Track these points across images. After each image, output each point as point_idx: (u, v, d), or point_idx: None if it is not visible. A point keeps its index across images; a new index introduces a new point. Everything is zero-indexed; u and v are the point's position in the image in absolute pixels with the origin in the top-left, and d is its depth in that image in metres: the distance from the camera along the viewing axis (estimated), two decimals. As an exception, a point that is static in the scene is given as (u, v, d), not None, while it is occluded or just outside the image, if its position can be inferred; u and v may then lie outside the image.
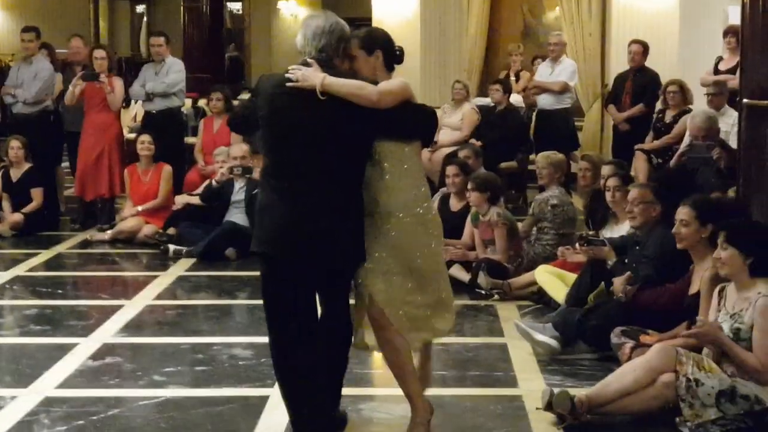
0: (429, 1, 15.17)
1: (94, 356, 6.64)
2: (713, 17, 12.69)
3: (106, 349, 6.79)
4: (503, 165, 11.96)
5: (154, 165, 10.69)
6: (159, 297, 8.34)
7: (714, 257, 5.60)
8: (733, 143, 8.07)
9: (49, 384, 6.08)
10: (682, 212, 6.08)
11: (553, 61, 12.55)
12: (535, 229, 8.74)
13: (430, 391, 5.94)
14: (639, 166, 10.50)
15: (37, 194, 10.98)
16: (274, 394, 5.85)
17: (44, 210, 11.06)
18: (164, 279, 8.93)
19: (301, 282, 5.00)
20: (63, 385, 6.08)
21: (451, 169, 9.03)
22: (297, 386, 5.03)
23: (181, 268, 9.34)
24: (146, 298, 8.27)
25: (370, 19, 16.57)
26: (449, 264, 8.41)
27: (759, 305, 5.29)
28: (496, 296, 8.04)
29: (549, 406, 5.38)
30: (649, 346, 5.81)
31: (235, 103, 10.96)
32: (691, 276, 6.23)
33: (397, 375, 5.24)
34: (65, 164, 13.32)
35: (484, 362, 6.55)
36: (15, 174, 11.01)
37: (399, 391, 5.89)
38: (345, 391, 5.80)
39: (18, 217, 10.83)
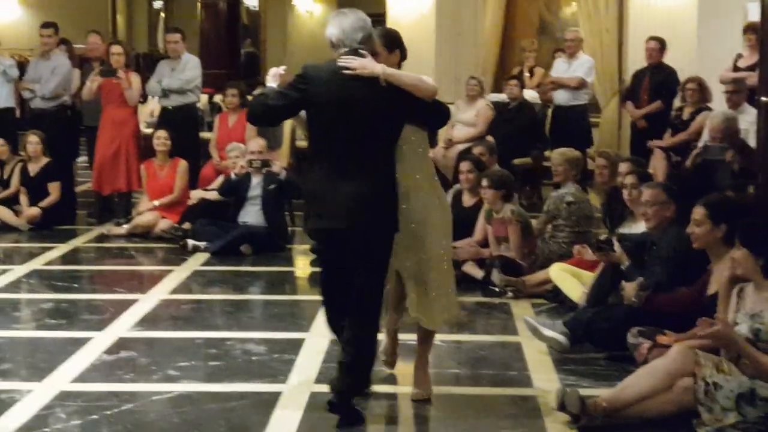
0: (443, -3, 15.14)
1: (109, 350, 6.65)
2: (733, 13, 12.63)
3: (121, 344, 6.81)
4: (517, 161, 11.95)
5: (170, 160, 10.72)
6: (174, 291, 8.36)
7: (729, 257, 5.58)
8: (753, 142, 8.04)
9: (64, 378, 6.09)
10: (696, 212, 6.06)
11: (570, 57, 12.51)
12: (550, 226, 8.71)
13: (443, 389, 5.97)
14: (657, 164, 10.47)
15: (54, 188, 11.03)
16: (287, 389, 5.89)
17: (61, 204, 11.10)
18: (179, 273, 8.95)
19: (355, 250, 5.44)
20: (78, 379, 6.09)
21: (464, 166, 9.02)
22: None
23: (196, 262, 9.36)
24: (161, 292, 8.29)
25: (384, 15, 16.58)
26: (462, 262, 8.45)
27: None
28: (509, 294, 8.02)
29: (562, 407, 5.35)
30: (667, 346, 5.80)
31: (249, 98, 10.95)
32: (708, 276, 6.19)
33: None
34: (83, 159, 13.39)
35: (497, 361, 6.53)
36: (33, 168, 11.06)
37: (411, 389, 5.92)
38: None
39: (35, 211, 10.89)
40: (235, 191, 10.08)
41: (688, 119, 10.72)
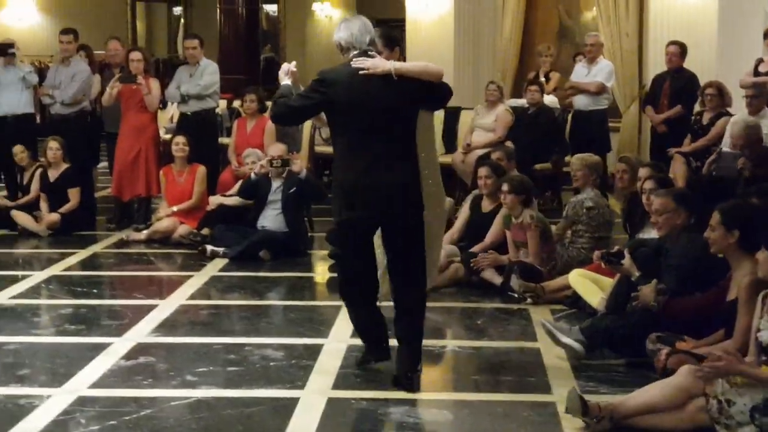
0: (463, 2, 15.13)
1: (128, 356, 6.66)
2: (753, 18, 12.56)
3: (140, 349, 6.82)
4: (537, 166, 11.92)
5: (189, 166, 10.74)
6: (192, 297, 8.37)
7: (753, 260, 5.56)
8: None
9: (82, 383, 6.10)
10: (713, 217, 6.06)
11: (590, 61, 12.48)
12: (569, 232, 8.68)
13: (462, 395, 5.96)
14: (677, 169, 10.42)
15: (74, 194, 11.07)
16: (305, 395, 5.89)
17: (81, 210, 11.13)
18: (198, 279, 8.96)
19: (397, 233, 6.04)
20: (96, 384, 6.10)
21: (483, 171, 9.00)
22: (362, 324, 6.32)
23: (214, 268, 9.37)
24: (180, 297, 8.30)
25: (403, 20, 16.59)
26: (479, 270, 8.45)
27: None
28: (528, 300, 7.99)
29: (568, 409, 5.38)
30: (686, 352, 5.77)
31: (268, 104, 10.96)
32: (728, 282, 6.16)
33: None
34: (103, 164, 13.43)
35: (516, 367, 6.51)
36: (53, 174, 11.10)
37: (430, 396, 5.94)
38: (375, 394, 5.93)
39: (55, 216, 10.92)
40: (255, 193, 10.09)
41: (708, 124, 10.68)
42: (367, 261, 6.15)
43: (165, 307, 7.93)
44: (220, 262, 9.55)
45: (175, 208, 10.62)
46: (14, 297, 8.28)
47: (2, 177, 12.25)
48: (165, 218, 10.60)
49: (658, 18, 13.49)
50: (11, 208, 11.12)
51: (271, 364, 6.52)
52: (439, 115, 13.76)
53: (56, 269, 9.37)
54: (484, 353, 6.81)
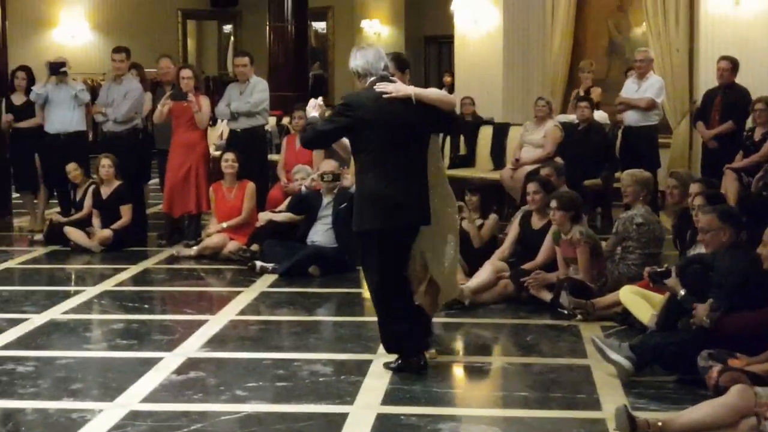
0: (512, 17, 15.14)
1: (178, 371, 6.71)
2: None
3: (190, 364, 6.87)
4: (587, 182, 11.86)
5: (238, 182, 10.80)
6: (242, 312, 8.41)
7: None
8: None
9: (134, 398, 6.15)
10: (765, 233, 6.01)
11: (640, 77, 12.40)
12: (620, 248, 8.62)
13: (512, 412, 5.94)
14: (728, 185, 10.31)
15: (126, 211, 11.17)
16: (354, 411, 5.90)
17: (133, 226, 11.24)
18: (248, 295, 9.00)
19: (400, 242, 6.58)
20: (148, 399, 6.15)
21: (531, 186, 8.98)
22: (392, 316, 6.63)
23: (264, 284, 9.41)
24: (230, 313, 8.34)
25: (452, 36, 16.63)
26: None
27: None
28: (578, 316, 7.94)
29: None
30: (738, 370, 5.72)
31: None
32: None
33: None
34: (154, 181, 13.55)
35: (566, 384, 6.48)
36: (105, 191, 11.21)
37: (479, 413, 5.92)
38: (424, 410, 5.92)
39: (107, 233, 11.03)
40: (304, 208, 10.13)
41: (760, 140, 10.58)
42: (390, 266, 6.57)
43: (215, 323, 7.98)
44: (269, 278, 9.60)
45: (224, 225, 10.69)
46: (67, 312, 8.37)
47: (56, 194, 12.40)
48: (215, 234, 10.66)
49: (709, 33, 13.38)
50: (64, 224, 11.24)
51: (321, 379, 6.53)
52: (488, 132, 13.79)
53: (108, 285, 9.46)
54: (534, 370, 6.78)
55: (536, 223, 8.94)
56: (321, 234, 9.97)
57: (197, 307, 8.72)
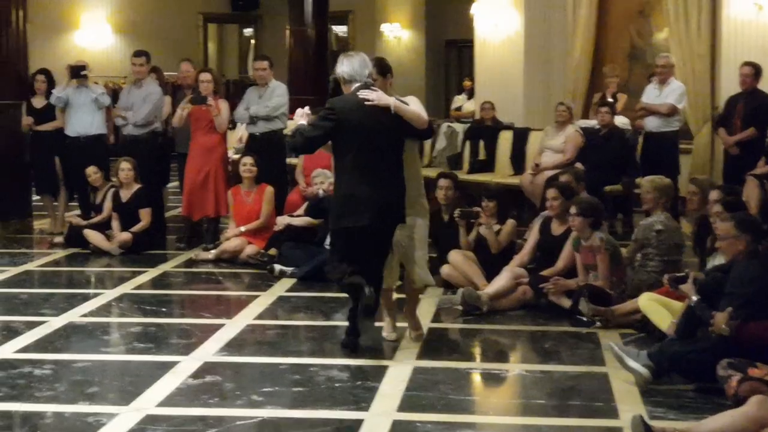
0: (532, 22, 15.10)
1: (195, 375, 6.70)
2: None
3: (207, 368, 6.86)
4: (608, 188, 11.81)
5: (257, 186, 10.80)
6: (260, 317, 8.40)
7: None
8: None
9: (150, 402, 6.14)
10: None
11: (661, 83, 12.34)
12: (639, 255, 8.57)
13: (530, 420, 5.91)
14: (750, 192, 10.19)
15: (145, 214, 11.18)
16: (369, 417, 5.87)
17: (152, 229, 11.25)
18: (265, 299, 8.99)
19: (376, 238, 7.09)
20: (164, 403, 6.13)
21: (550, 192, 8.94)
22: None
23: (282, 288, 9.40)
24: (247, 317, 8.33)
25: (472, 40, 16.59)
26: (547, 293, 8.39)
27: None
28: (597, 324, 7.90)
29: None
30: (759, 379, 5.67)
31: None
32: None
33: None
34: (174, 184, 13.57)
35: (585, 392, 6.43)
36: (125, 195, 11.23)
37: (496, 420, 5.90)
38: (441, 417, 5.88)
39: (126, 236, 11.04)
40: (324, 212, 10.11)
41: (783, 147, 10.51)
42: (359, 260, 7.05)
43: (232, 327, 7.97)
44: (287, 282, 9.59)
45: (243, 228, 10.69)
46: (85, 315, 8.38)
47: (75, 196, 12.43)
48: (233, 238, 10.66)
49: (731, 39, 13.31)
50: (84, 227, 11.26)
51: (337, 385, 6.52)
52: (507, 136, 13.75)
53: (127, 288, 9.47)
54: (552, 377, 6.74)
55: (556, 229, 8.89)
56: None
57: (215, 311, 8.71)
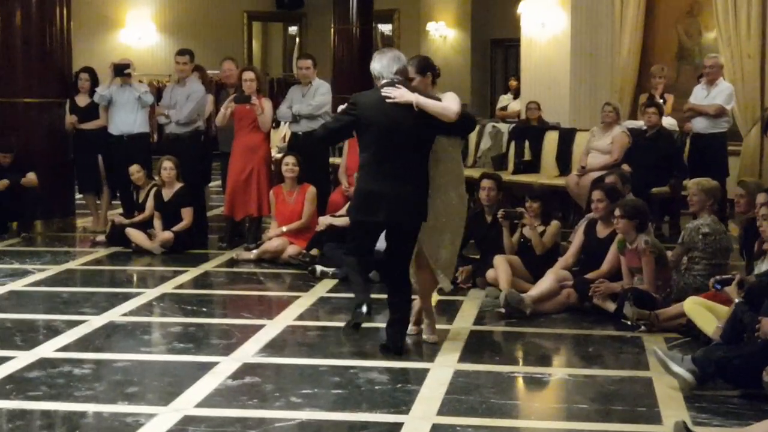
0: (579, 21, 14.98)
1: (234, 376, 6.66)
2: None
3: (246, 369, 6.82)
4: (655, 190, 11.67)
5: (299, 186, 10.76)
6: (300, 317, 8.36)
7: None
8: None
9: (189, 402, 6.11)
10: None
11: (709, 83, 12.19)
12: (686, 258, 8.45)
13: (572, 424, 5.83)
14: (798, 194, 10.08)
15: (187, 214, 11.18)
16: (409, 420, 5.81)
17: (194, 229, 11.25)
18: (306, 300, 8.95)
19: (394, 236, 7.19)
20: (202, 404, 6.10)
21: (596, 194, 8.82)
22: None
23: (323, 289, 9.36)
24: (288, 318, 8.29)
25: (518, 40, 16.48)
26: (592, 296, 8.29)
27: None
28: (642, 327, 7.79)
29: None
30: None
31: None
32: None
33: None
34: (216, 183, 13.57)
35: (628, 396, 6.34)
36: (167, 194, 11.23)
37: (538, 425, 5.81)
38: (481, 421, 5.82)
39: (168, 235, 11.05)
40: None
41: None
42: (367, 253, 7.33)
43: (272, 328, 7.94)
44: (328, 283, 9.54)
45: (284, 228, 10.65)
46: (125, 314, 8.38)
47: (118, 195, 12.46)
48: (275, 238, 10.63)
49: (782, 39, 13.15)
50: (126, 225, 11.28)
51: (377, 387, 6.45)
52: (553, 137, 13.63)
53: (168, 287, 9.46)
54: (596, 381, 6.65)
55: (601, 231, 8.78)
56: (381, 239, 9.85)
57: (255, 312, 8.68)
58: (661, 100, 13.23)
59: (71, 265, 10.55)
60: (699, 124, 12.14)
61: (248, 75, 11.20)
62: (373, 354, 7.25)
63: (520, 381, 6.78)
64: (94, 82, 12.33)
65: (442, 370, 6.76)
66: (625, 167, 11.25)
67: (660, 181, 11.83)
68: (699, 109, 12.12)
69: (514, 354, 7.65)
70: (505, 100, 19.75)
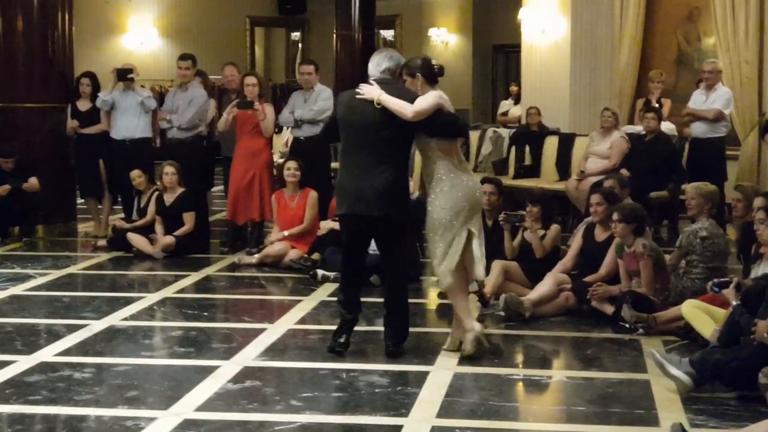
0: (579, 27, 15.03)
1: (235, 379, 6.69)
2: None
3: (247, 373, 6.85)
4: (653, 194, 11.70)
5: (301, 191, 10.80)
6: (302, 321, 8.40)
7: None
8: None
9: (189, 406, 6.14)
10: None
11: (708, 88, 12.23)
12: (684, 262, 8.49)
13: (571, 427, 5.87)
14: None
15: (189, 218, 11.22)
16: (408, 423, 5.85)
17: (195, 233, 11.29)
18: (307, 303, 8.99)
19: (375, 231, 7.31)
20: (203, 407, 6.13)
21: (594, 198, 8.87)
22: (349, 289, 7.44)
23: (324, 292, 9.40)
24: (289, 322, 8.33)
25: (519, 46, 16.54)
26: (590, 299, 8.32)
27: None
28: (640, 330, 7.82)
29: None
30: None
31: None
32: None
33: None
34: (219, 188, 13.60)
35: (626, 399, 6.37)
36: (168, 198, 11.27)
37: (537, 427, 5.85)
38: (480, 424, 5.86)
39: (170, 239, 11.09)
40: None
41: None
42: (357, 253, 7.41)
43: (273, 331, 7.97)
44: (330, 287, 9.58)
45: (286, 233, 10.69)
46: (126, 318, 8.41)
47: (120, 200, 12.51)
48: (276, 242, 10.67)
49: (780, 44, 13.18)
50: (128, 230, 11.32)
51: (377, 390, 6.49)
52: (553, 142, 13.68)
53: (169, 291, 9.50)
54: (594, 384, 6.68)
55: (599, 235, 8.82)
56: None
57: (256, 316, 8.71)
58: (658, 105, 13.26)
59: (72, 269, 10.59)
60: (698, 129, 12.18)
61: (250, 80, 11.25)
62: (373, 357, 7.29)
63: (519, 383, 6.80)
64: (96, 87, 12.37)
65: (441, 373, 6.79)
66: (624, 172, 11.28)
67: (658, 186, 11.87)
68: (698, 114, 12.16)
69: (513, 357, 7.67)
70: (505, 105, 19.81)
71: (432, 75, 7.35)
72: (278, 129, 12.79)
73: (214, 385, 6.54)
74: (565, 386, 6.72)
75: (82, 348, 7.50)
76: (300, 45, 26.02)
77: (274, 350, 7.48)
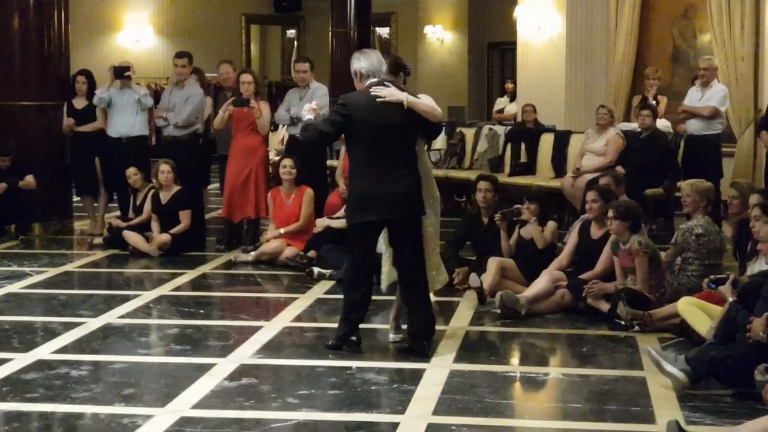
0: (575, 24, 15.04)
1: (231, 377, 6.70)
2: None
3: (243, 370, 6.86)
4: (649, 192, 11.72)
5: (297, 188, 10.81)
6: (298, 319, 8.40)
7: None
8: None
9: (185, 404, 6.15)
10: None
11: (703, 85, 12.25)
12: (679, 259, 8.50)
13: (567, 424, 5.88)
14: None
15: (184, 216, 11.22)
16: (405, 420, 5.85)
17: (191, 231, 11.29)
18: (303, 301, 8.99)
19: (402, 233, 7.23)
20: (199, 405, 6.14)
21: (590, 195, 8.87)
22: (355, 301, 7.35)
23: (320, 290, 9.41)
24: (285, 319, 8.34)
25: (514, 43, 16.55)
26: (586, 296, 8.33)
27: None
28: (636, 327, 7.84)
29: None
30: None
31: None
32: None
33: None
34: (214, 185, 13.60)
35: (622, 396, 6.38)
36: (164, 196, 11.27)
37: (533, 424, 5.86)
38: (476, 421, 5.87)
39: (166, 237, 11.09)
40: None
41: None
42: (371, 256, 7.39)
43: (270, 329, 7.98)
44: (326, 284, 9.59)
45: (282, 230, 10.70)
46: (122, 316, 8.41)
47: (116, 198, 12.50)
48: (272, 240, 10.67)
49: (775, 41, 13.20)
50: (124, 228, 11.32)
51: (373, 388, 6.50)
52: (549, 139, 13.69)
53: (165, 289, 9.50)
54: (589, 381, 6.69)
55: (595, 232, 8.83)
56: (379, 242, 9.90)
57: (253, 313, 8.72)
58: (654, 102, 13.28)
59: (69, 267, 10.59)
60: (693, 126, 12.20)
61: (246, 77, 11.25)
62: (370, 355, 7.30)
63: (515, 381, 6.82)
64: (92, 84, 12.36)
65: (437, 370, 6.80)
66: (620, 169, 11.30)
67: (654, 183, 11.90)
68: (693, 111, 12.18)
69: (509, 354, 7.69)
70: (501, 102, 19.81)
71: (407, 74, 7.61)
72: (274, 127, 12.79)
73: (210, 383, 6.55)
74: (561, 383, 6.73)
75: (78, 346, 7.50)
76: (295, 42, 26.02)
77: (271, 348, 7.48)
